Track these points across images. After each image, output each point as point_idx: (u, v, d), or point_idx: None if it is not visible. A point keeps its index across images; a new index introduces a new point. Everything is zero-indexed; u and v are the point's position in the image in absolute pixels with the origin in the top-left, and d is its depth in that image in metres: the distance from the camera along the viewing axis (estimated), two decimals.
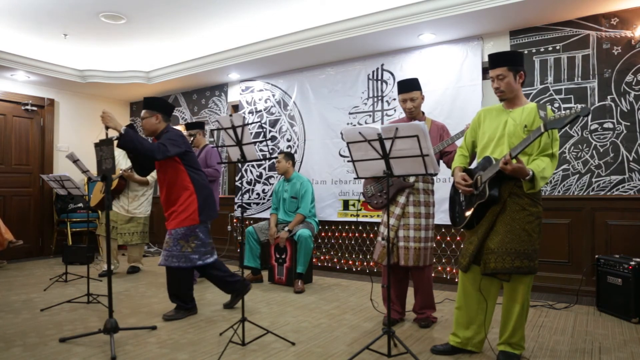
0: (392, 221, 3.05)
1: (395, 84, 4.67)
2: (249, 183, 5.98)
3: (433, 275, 3.43)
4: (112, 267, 4.92)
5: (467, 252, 2.45)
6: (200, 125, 4.80)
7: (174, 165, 3.22)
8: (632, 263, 3.16)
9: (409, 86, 3.11)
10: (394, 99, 4.81)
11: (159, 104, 3.30)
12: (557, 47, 4.06)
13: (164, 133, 3.26)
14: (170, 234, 3.19)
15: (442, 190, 4.28)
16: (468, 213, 2.43)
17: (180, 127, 6.87)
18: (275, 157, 4.73)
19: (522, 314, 2.38)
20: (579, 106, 2.05)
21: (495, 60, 2.43)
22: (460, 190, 2.49)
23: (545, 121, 2.11)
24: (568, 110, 2.03)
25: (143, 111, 3.29)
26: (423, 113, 3.24)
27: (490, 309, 2.49)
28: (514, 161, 2.18)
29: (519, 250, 2.28)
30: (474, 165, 2.60)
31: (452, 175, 2.62)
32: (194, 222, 3.20)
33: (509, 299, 2.40)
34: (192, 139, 4.73)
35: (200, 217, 3.22)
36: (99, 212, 4.92)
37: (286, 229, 4.47)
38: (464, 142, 2.69)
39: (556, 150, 2.32)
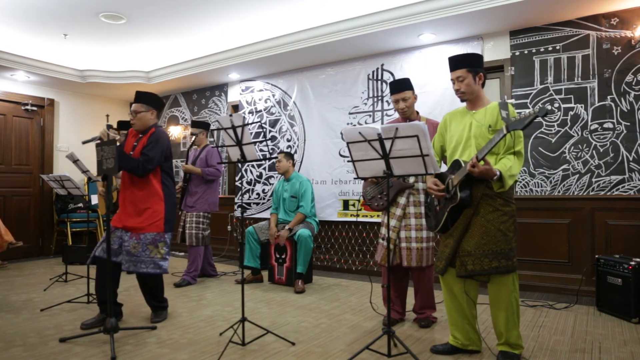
0: (393, 222, 3.05)
1: None
2: (249, 183, 5.98)
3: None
4: None
5: (443, 255, 2.48)
6: (205, 126, 4.85)
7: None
8: (632, 263, 3.16)
9: (400, 86, 3.11)
10: None
11: (155, 100, 3.24)
12: (557, 47, 4.06)
13: (151, 131, 3.17)
14: (139, 240, 3.05)
15: None
16: (442, 216, 2.45)
17: (180, 127, 6.89)
18: (276, 157, 4.73)
19: (509, 316, 2.37)
20: (538, 107, 2.11)
21: (454, 63, 2.49)
22: (433, 195, 2.52)
23: (507, 122, 2.14)
24: (528, 111, 2.07)
25: (137, 104, 3.17)
26: (417, 112, 3.24)
27: (474, 308, 2.52)
28: (482, 163, 2.21)
29: (496, 250, 2.30)
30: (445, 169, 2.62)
31: (424, 180, 2.65)
32: (159, 230, 3.11)
33: (494, 306, 2.42)
34: (194, 137, 4.76)
35: (165, 227, 3.15)
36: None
37: (287, 227, 4.47)
38: (433, 147, 2.71)
39: (520, 147, 2.35)
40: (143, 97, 3.21)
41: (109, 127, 3.06)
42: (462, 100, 2.53)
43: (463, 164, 2.32)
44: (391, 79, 4.85)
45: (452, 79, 2.50)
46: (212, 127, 6.39)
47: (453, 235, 2.43)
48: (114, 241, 3.09)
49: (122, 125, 4.91)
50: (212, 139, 6.42)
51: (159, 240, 3.11)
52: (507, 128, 2.13)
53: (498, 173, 2.24)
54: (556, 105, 4.04)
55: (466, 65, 2.44)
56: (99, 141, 2.90)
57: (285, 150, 5.55)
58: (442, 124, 2.65)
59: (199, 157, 4.68)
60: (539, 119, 2.30)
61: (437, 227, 2.49)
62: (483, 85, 2.50)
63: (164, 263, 3.13)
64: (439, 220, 2.48)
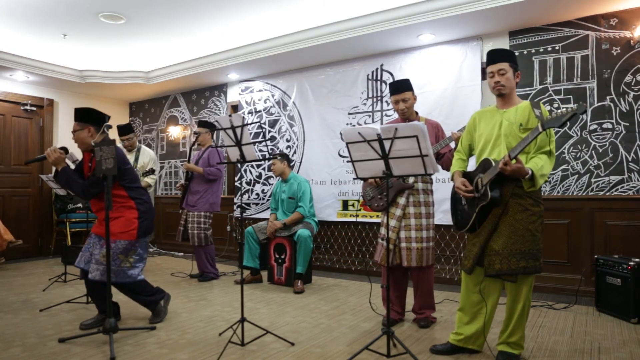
0: (393, 222, 3.05)
1: None
2: (248, 183, 5.98)
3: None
4: None
5: (470, 254, 2.46)
6: (209, 126, 4.89)
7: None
8: (631, 263, 3.16)
9: (401, 87, 3.11)
10: None
11: (92, 116, 3.05)
12: (557, 48, 4.06)
13: None
14: (110, 248, 2.92)
15: (441, 190, 4.28)
16: (471, 216, 2.44)
17: (179, 128, 6.88)
18: (275, 157, 4.74)
19: (523, 313, 2.39)
20: (576, 105, 2.07)
21: (497, 55, 2.46)
22: (461, 195, 2.51)
23: (542, 120, 2.12)
24: (565, 109, 2.04)
25: (74, 123, 3.06)
26: (416, 113, 3.24)
27: (492, 309, 2.50)
28: (514, 162, 2.20)
29: (524, 250, 2.29)
30: (471, 167, 2.60)
31: (452, 179, 2.64)
32: (131, 238, 3.04)
33: (513, 298, 2.41)
34: (196, 136, 4.80)
35: (138, 233, 3.07)
36: None
37: (283, 221, 4.48)
38: (460, 146, 2.70)
39: (553, 147, 2.35)
40: (79, 115, 3.06)
41: (63, 149, 3.03)
42: (498, 95, 2.48)
43: (493, 163, 2.31)
44: (390, 80, 4.85)
45: (491, 72, 2.45)
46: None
47: (480, 235, 2.42)
48: (86, 248, 3.09)
49: (122, 130, 4.91)
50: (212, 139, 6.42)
51: (130, 249, 3.05)
52: (543, 126, 2.12)
53: (530, 172, 2.23)
54: (555, 105, 4.05)
55: (509, 60, 2.43)
56: (44, 160, 2.93)
57: (284, 151, 5.56)
58: (471, 122, 2.63)
59: (201, 156, 4.72)
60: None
61: (466, 226, 2.47)
62: (517, 85, 2.49)
63: (134, 272, 3.07)
64: (467, 220, 2.47)
